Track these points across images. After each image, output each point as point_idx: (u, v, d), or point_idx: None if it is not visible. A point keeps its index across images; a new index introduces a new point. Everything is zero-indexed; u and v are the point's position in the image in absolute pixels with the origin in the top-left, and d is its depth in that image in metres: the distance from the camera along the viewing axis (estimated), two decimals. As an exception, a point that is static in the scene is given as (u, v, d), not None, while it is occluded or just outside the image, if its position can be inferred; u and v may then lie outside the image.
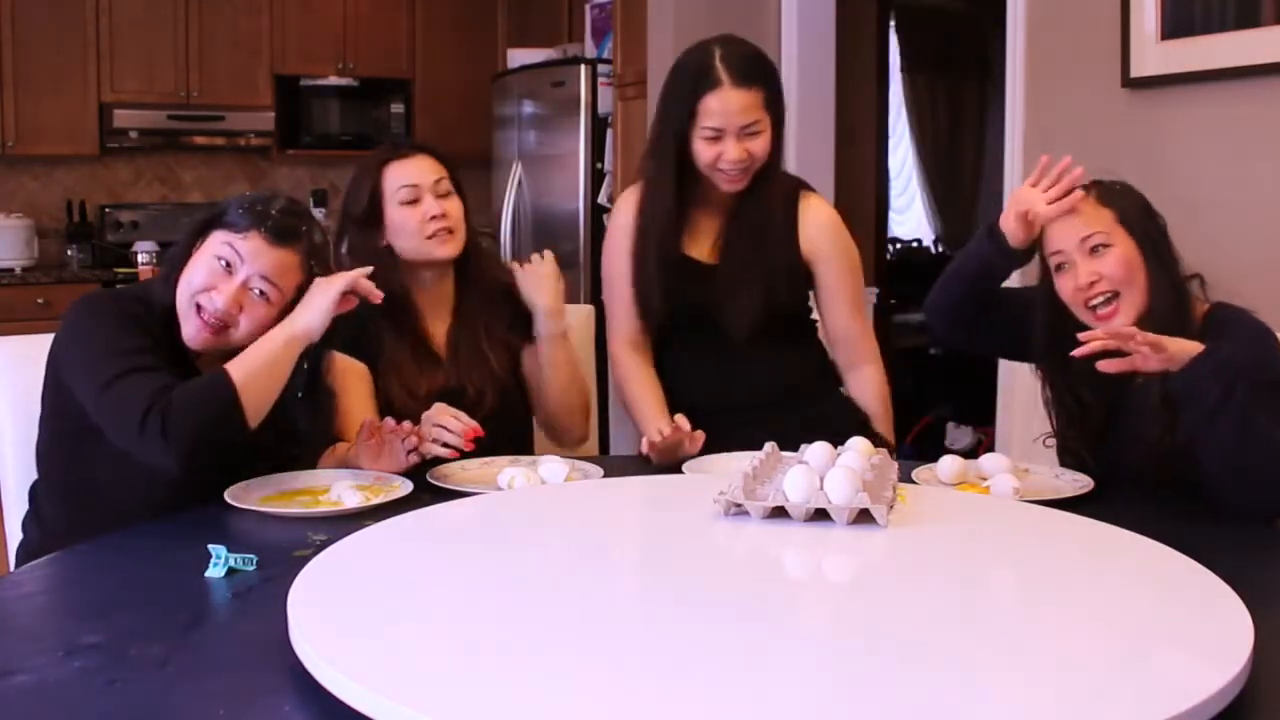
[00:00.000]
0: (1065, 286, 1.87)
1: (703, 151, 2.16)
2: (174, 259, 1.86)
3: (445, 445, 1.95)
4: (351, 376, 2.16)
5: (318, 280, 1.84)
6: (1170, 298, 1.82)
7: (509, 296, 2.27)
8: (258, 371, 1.73)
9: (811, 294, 2.35)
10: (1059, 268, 1.88)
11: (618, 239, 2.32)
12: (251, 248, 1.81)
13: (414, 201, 2.18)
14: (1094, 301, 1.84)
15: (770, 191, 2.23)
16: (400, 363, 2.19)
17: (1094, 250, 1.83)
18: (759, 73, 2.17)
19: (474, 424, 1.99)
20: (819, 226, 2.29)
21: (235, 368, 1.72)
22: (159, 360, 1.74)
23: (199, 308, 1.81)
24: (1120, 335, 1.70)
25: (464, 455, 1.98)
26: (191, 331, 1.82)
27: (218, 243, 1.82)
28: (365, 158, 2.27)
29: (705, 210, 2.27)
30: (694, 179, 2.22)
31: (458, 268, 2.26)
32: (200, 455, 1.67)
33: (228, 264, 1.81)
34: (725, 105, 2.12)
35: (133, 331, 1.76)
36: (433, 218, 2.17)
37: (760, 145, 2.17)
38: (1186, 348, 1.69)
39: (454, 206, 2.20)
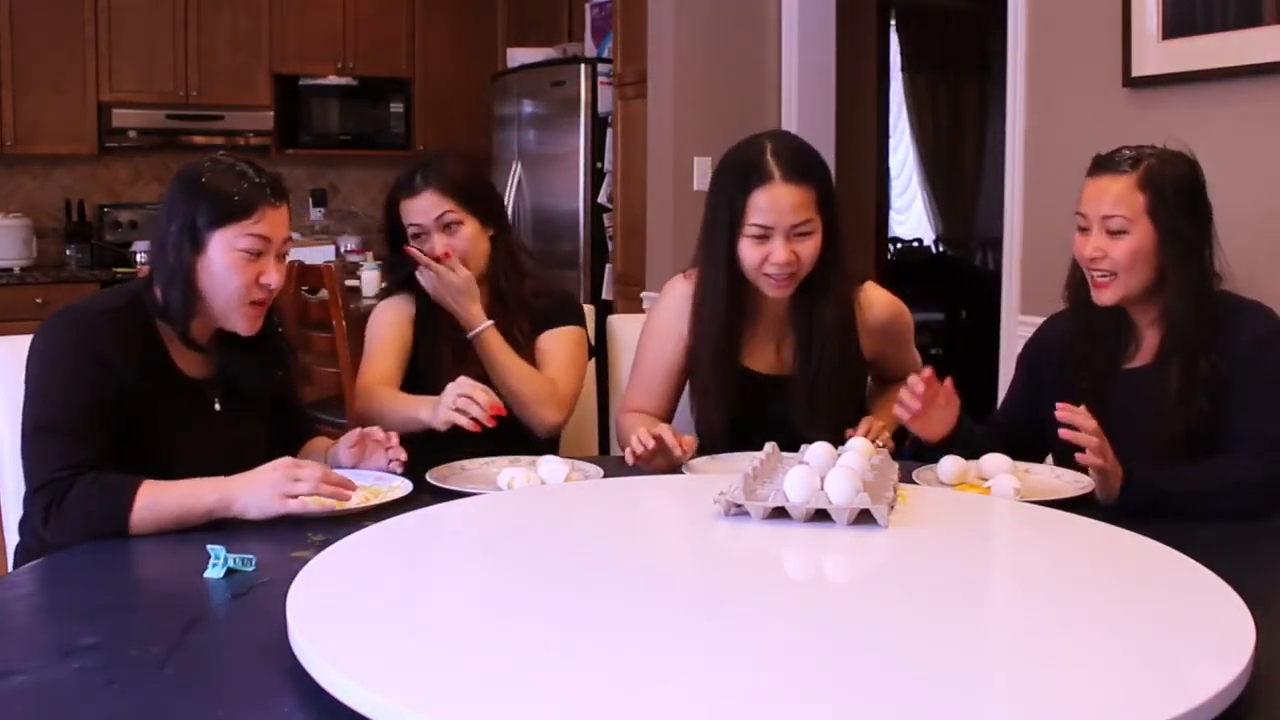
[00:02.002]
0: (1077, 245, 1.92)
1: (749, 253, 2.04)
2: (172, 276, 1.78)
3: (470, 418, 1.97)
4: (389, 327, 2.29)
5: (285, 464, 1.68)
6: (1187, 293, 1.84)
7: (527, 302, 2.31)
8: (162, 515, 1.63)
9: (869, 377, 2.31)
10: (1080, 227, 1.92)
11: (661, 326, 2.21)
12: (269, 224, 1.80)
13: (421, 237, 2.26)
14: (1093, 272, 1.89)
15: (834, 298, 2.11)
16: (442, 356, 2.28)
17: (1109, 230, 1.86)
18: (811, 169, 2.06)
19: (499, 401, 2.02)
20: (880, 321, 2.21)
21: (144, 502, 1.62)
22: (97, 414, 1.68)
23: (248, 300, 1.81)
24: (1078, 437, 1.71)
25: (483, 431, 1.98)
26: (248, 324, 1.82)
27: (233, 237, 1.77)
28: (389, 190, 2.32)
29: (762, 321, 2.16)
30: (747, 288, 2.11)
31: (490, 277, 2.30)
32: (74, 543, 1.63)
33: (258, 251, 1.80)
34: (776, 201, 2.00)
35: (83, 376, 1.69)
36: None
37: (809, 249, 2.04)
38: (1113, 481, 1.72)
39: (458, 240, 2.24)
